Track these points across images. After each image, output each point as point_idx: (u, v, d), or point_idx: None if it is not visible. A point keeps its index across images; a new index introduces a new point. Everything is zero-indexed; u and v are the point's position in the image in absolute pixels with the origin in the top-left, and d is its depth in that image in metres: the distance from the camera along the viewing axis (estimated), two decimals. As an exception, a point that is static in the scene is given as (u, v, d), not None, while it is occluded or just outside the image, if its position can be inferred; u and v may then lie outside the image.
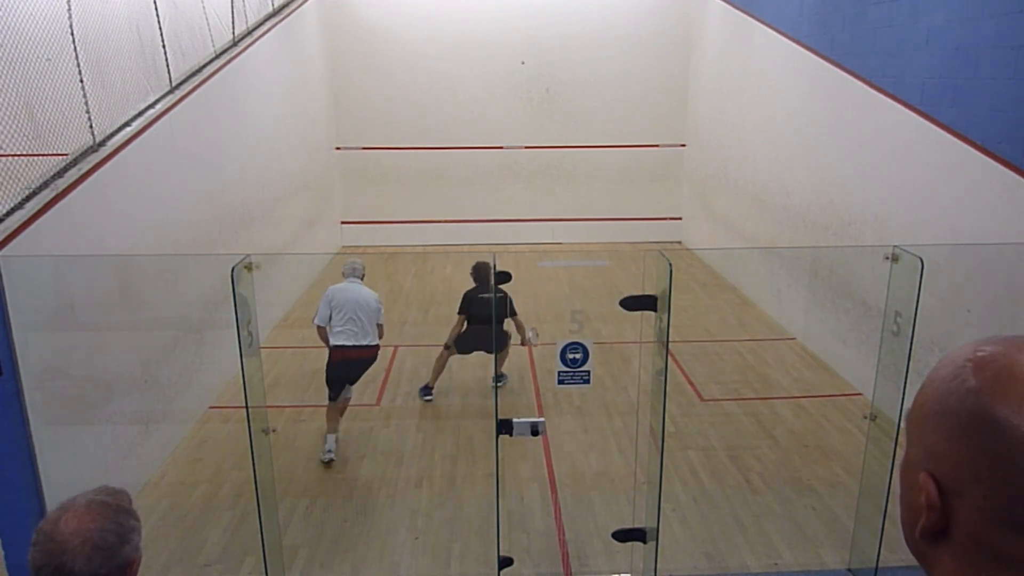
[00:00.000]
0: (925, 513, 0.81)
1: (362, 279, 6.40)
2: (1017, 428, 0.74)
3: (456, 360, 8.22)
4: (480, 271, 7.07)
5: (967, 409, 0.77)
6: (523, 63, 13.21)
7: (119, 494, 1.67)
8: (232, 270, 3.86)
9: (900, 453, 0.91)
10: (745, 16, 10.43)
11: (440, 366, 7.23)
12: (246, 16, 9.28)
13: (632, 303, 5.43)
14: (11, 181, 4.68)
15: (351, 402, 6.37)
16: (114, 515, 1.61)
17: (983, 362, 0.79)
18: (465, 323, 7.08)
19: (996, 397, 0.76)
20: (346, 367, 6.14)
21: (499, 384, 7.37)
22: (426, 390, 7.24)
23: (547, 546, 5.01)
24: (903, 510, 0.88)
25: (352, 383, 6.25)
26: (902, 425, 4.24)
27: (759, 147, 10.06)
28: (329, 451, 6.01)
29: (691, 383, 7.49)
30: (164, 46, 6.91)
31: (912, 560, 0.88)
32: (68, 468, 4.71)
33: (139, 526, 1.67)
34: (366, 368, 6.27)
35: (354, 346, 6.11)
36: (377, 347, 6.27)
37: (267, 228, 9.31)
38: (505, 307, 6.87)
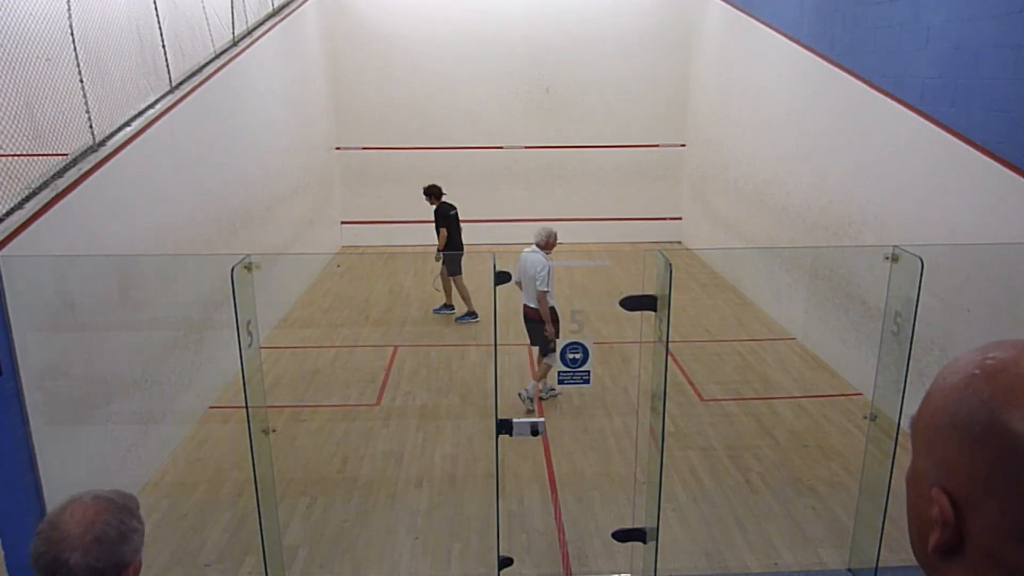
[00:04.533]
0: (939, 529, 0.77)
1: (544, 246, 6.73)
2: None
3: (456, 359, 8.24)
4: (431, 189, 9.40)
5: (980, 421, 0.74)
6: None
7: (128, 497, 1.71)
8: (232, 270, 3.86)
9: (902, 455, 0.90)
10: (745, 16, 10.42)
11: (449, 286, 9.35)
12: (246, 16, 9.28)
13: (632, 303, 5.43)
14: (11, 181, 4.68)
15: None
16: (118, 512, 1.64)
17: (994, 371, 0.76)
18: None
19: (1010, 408, 0.73)
20: (525, 323, 6.93)
21: (473, 320, 9.28)
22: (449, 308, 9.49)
23: (547, 546, 5.01)
24: (911, 520, 0.85)
25: (534, 344, 6.78)
26: (902, 425, 4.24)
27: (759, 147, 10.06)
28: (529, 397, 6.79)
29: (691, 383, 7.49)
30: (164, 46, 6.90)
31: (912, 560, 0.87)
32: (68, 468, 4.71)
33: (142, 530, 1.68)
34: (534, 328, 6.82)
35: (525, 305, 6.89)
36: (536, 310, 6.69)
37: (267, 228, 9.31)
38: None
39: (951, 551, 0.77)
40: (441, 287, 9.54)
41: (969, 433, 0.75)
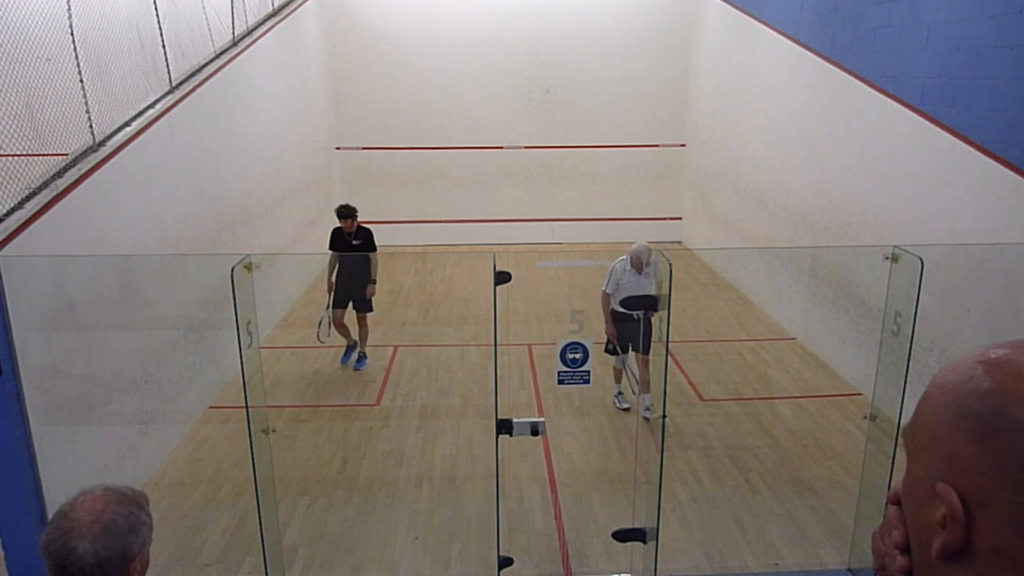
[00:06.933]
0: (947, 528, 0.73)
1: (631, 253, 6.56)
2: None
3: (456, 359, 8.25)
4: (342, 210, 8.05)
5: (989, 409, 0.72)
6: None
7: (138, 492, 1.76)
8: (232, 270, 3.86)
9: (902, 455, 0.88)
10: (745, 16, 10.42)
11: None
12: (246, 16, 9.28)
13: (632, 303, 5.42)
14: (11, 181, 4.68)
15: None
16: (128, 504, 1.68)
17: (997, 363, 0.74)
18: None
19: (1017, 395, 0.71)
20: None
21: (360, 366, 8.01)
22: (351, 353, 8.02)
23: (547, 546, 5.01)
24: (911, 533, 0.80)
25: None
26: (902, 426, 4.24)
27: (759, 147, 10.06)
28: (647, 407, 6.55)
29: (691, 383, 7.49)
30: (164, 46, 6.90)
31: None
32: (68, 468, 4.71)
33: (150, 524, 1.72)
34: (623, 329, 6.76)
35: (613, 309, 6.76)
36: (615, 311, 6.66)
37: (267, 228, 9.31)
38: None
39: (956, 554, 0.74)
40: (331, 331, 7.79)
41: (978, 423, 0.72)
